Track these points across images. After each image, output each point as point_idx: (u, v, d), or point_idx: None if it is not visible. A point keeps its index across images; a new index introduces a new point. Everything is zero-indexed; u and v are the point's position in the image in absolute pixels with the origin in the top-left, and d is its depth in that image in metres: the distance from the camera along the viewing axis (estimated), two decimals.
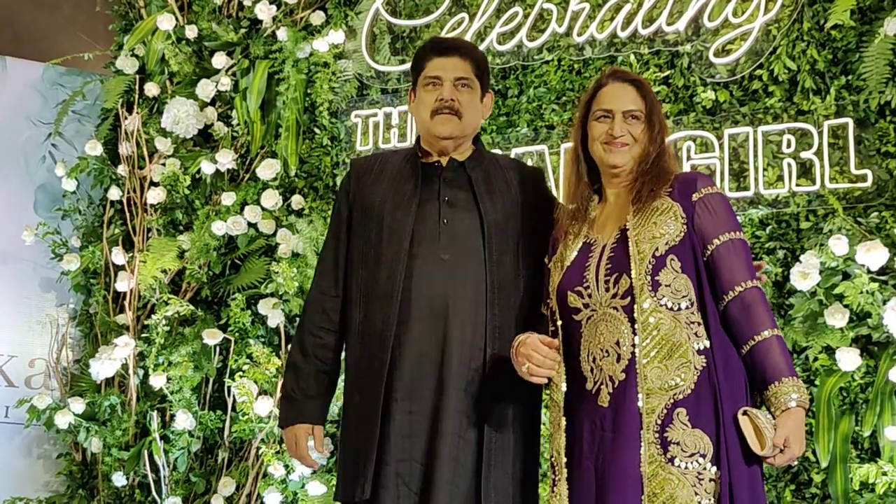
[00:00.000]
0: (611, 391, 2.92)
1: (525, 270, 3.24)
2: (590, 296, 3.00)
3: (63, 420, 5.40)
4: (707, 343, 2.89)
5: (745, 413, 2.86)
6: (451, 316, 3.14)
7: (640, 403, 2.86)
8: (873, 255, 4.08)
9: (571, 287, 3.04)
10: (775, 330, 2.90)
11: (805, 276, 4.16)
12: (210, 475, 5.42)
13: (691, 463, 2.85)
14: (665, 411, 2.85)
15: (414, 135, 5.33)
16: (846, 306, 4.14)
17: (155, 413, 5.34)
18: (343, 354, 3.39)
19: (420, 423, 3.11)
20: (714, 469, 2.84)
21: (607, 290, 2.97)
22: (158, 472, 5.34)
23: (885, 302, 4.04)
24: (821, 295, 4.18)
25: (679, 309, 2.91)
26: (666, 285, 2.91)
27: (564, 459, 2.99)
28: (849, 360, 4.11)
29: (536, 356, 2.96)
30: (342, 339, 3.37)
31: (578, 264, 3.06)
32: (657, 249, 2.93)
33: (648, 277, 2.92)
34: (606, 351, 2.94)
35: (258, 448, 5.13)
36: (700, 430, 2.85)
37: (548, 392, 3.10)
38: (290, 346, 3.44)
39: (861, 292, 4.08)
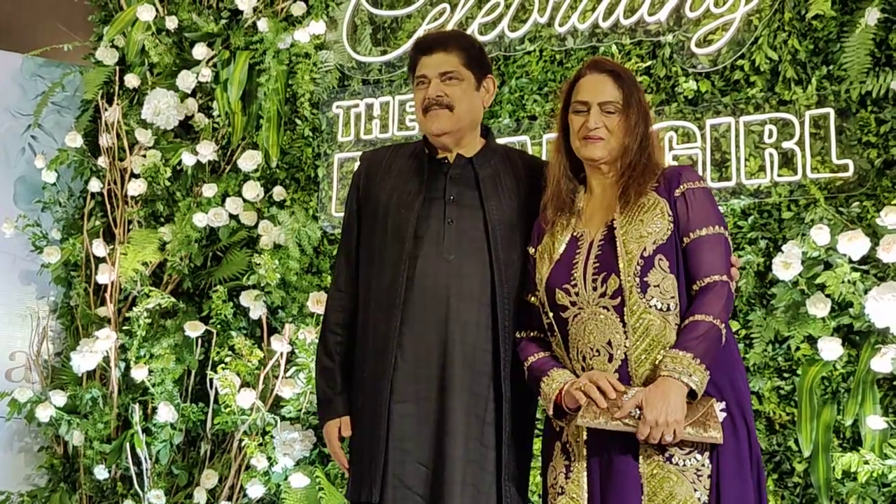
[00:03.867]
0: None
1: None
2: (577, 294, 2.99)
3: (44, 413, 5.37)
4: None
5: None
6: (453, 318, 3.12)
7: None
8: (855, 244, 4.09)
9: (559, 284, 3.02)
10: (716, 320, 2.86)
11: (787, 265, 4.17)
12: (192, 468, 5.40)
13: (689, 459, 2.85)
14: None
15: (395, 125, 5.33)
16: (828, 296, 4.15)
17: (137, 406, 5.33)
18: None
19: (424, 425, 3.10)
20: (710, 463, 2.85)
21: (595, 289, 2.96)
22: (141, 465, 5.32)
23: (866, 291, 4.05)
24: (803, 285, 4.19)
25: (668, 309, 2.91)
26: (655, 286, 2.91)
27: (585, 437, 2.94)
28: (830, 349, 4.12)
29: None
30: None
31: (566, 260, 3.04)
32: (645, 249, 2.92)
33: (637, 279, 2.91)
34: (597, 350, 2.94)
35: (241, 440, 5.12)
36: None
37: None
38: (316, 346, 3.44)
39: (843, 282, 4.09)
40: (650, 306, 2.90)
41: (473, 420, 3.10)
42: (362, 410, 3.21)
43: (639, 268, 2.91)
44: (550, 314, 3.05)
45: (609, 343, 2.92)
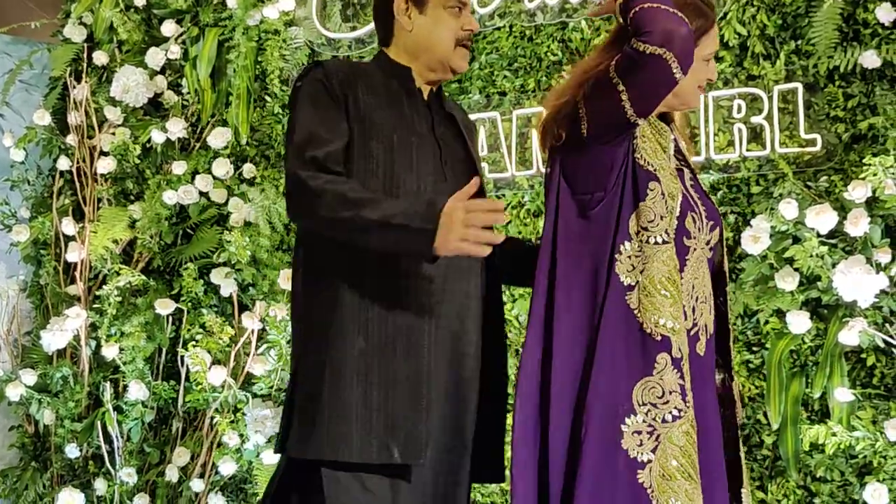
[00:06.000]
0: (706, 341, 2.87)
1: None
2: (699, 229, 2.88)
3: (14, 392, 5.35)
4: None
5: None
6: (473, 264, 2.95)
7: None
8: (822, 218, 4.11)
9: (691, 208, 2.87)
10: None
11: (756, 239, 4.19)
12: (164, 445, 5.40)
13: None
14: None
15: None
16: (796, 270, 4.17)
17: (108, 384, 5.32)
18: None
19: (452, 379, 2.91)
20: None
21: (703, 232, 2.90)
22: (112, 443, 5.32)
23: (834, 265, 4.07)
24: (771, 259, 4.21)
25: None
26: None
27: (688, 385, 2.76)
28: (799, 323, 4.15)
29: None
30: None
31: (685, 187, 2.90)
32: None
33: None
34: (704, 298, 2.86)
35: (212, 417, 5.12)
36: None
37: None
38: (324, 215, 2.71)
39: (811, 256, 4.11)
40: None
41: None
42: (386, 365, 2.79)
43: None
44: (672, 235, 2.81)
45: (711, 293, 2.90)
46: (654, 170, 2.79)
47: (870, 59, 4.28)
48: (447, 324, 2.88)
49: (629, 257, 2.73)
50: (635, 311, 2.72)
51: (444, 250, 2.58)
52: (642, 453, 2.65)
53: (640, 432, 2.66)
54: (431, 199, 2.69)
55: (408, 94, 3.00)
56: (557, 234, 2.83)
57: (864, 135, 4.29)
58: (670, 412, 2.66)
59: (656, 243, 2.72)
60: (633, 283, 2.73)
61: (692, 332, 2.80)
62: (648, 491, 2.63)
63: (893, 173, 4.03)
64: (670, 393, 2.67)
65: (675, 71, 2.62)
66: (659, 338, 2.69)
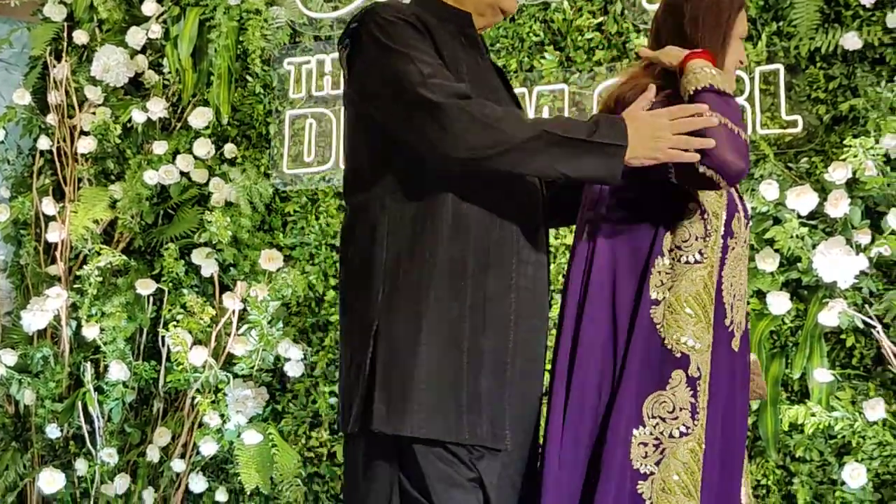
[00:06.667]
0: (740, 337, 2.86)
1: None
2: (741, 228, 2.88)
3: None
4: None
5: None
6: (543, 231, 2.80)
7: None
8: (803, 199, 4.12)
9: (736, 209, 2.87)
10: None
11: None
12: (145, 426, 5.39)
13: None
14: None
15: None
16: (777, 251, 4.19)
17: (88, 364, 5.31)
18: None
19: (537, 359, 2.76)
20: None
21: (742, 229, 2.90)
22: (93, 424, 5.31)
23: (814, 246, 4.09)
24: (752, 240, 4.22)
25: None
26: None
27: (702, 403, 2.78)
28: (779, 303, 4.16)
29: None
30: None
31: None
32: None
33: None
34: (741, 296, 2.87)
35: (193, 398, 5.12)
36: None
37: None
38: (486, 136, 2.46)
39: (791, 237, 4.13)
40: None
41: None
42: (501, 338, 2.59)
43: None
44: (706, 255, 2.80)
45: (743, 292, 2.88)
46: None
47: (851, 40, 4.29)
48: (527, 295, 2.68)
49: (660, 272, 2.74)
50: (658, 326, 2.74)
51: (638, 164, 2.50)
52: (645, 465, 2.68)
53: (646, 444, 2.69)
54: (598, 118, 2.52)
55: (467, 39, 2.79)
56: (597, 239, 2.83)
57: (845, 116, 4.30)
58: (678, 428, 2.70)
59: (688, 262, 2.74)
60: (659, 299, 2.74)
61: (729, 329, 2.81)
62: (647, 502, 2.67)
63: (874, 155, 4.04)
64: (680, 409, 2.71)
65: (722, 186, 2.66)
66: (678, 355, 2.72)
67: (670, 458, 2.68)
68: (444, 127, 2.45)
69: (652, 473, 2.69)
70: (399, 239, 2.56)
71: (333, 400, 5.08)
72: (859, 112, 4.25)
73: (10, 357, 5.37)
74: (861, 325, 4.09)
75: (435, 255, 2.53)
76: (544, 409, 2.77)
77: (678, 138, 2.48)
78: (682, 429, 2.70)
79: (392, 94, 2.53)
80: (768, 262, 4.19)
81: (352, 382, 2.58)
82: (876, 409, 4.03)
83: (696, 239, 2.77)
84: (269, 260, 5.08)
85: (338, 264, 5.05)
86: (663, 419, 2.70)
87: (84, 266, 5.37)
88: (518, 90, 4.84)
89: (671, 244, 2.76)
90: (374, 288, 2.56)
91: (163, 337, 5.24)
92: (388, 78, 2.54)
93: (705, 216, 2.78)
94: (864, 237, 4.06)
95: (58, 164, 5.81)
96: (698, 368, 2.73)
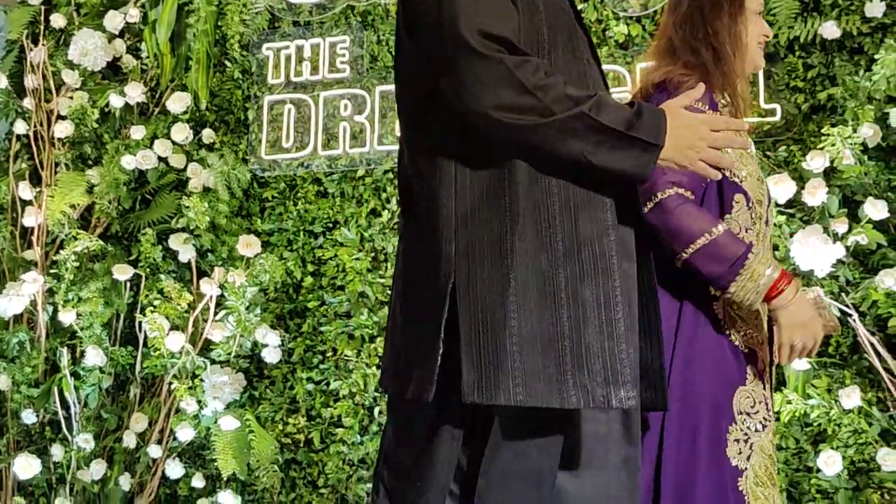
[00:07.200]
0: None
1: None
2: (769, 212, 2.89)
3: None
4: None
5: None
6: None
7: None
8: (781, 188, 4.13)
9: (768, 197, 2.90)
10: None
11: None
12: (122, 411, 5.38)
13: None
14: None
15: (326, 67, 5.29)
16: None
17: (65, 349, 5.28)
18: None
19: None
20: None
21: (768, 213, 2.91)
22: (69, 409, 5.29)
23: (791, 234, 4.10)
24: None
25: None
26: None
27: (769, 392, 2.85)
28: None
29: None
30: None
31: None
32: None
33: None
34: None
35: (170, 383, 5.10)
36: None
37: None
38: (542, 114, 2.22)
39: None
40: None
41: None
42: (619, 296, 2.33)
43: None
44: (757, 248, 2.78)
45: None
46: (741, 181, 2.79)
47: (829, 29, 4.30)
48: (625, 237, 2.42)
49: None
50: (722, 322, 2.76)
51: (672, 165, 2.33)
52: (741, 461, 2.72)
53: (738, 441, 2.73)
54: (642, 107, 2.30)
55: None
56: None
57: (823, 105, 4.31)
58: (760, 422, 2.75)
59: None
60: (717, 294, 2.76)
61: None
62: (745, 498, 2.71)
63: (851, 144, 4.05)
64: (759, 403, 2.76)
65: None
66: (746, 350, 2.78)
67: (759, 453, 2.74)
68: (477, 76, 2.22)
69: (745, 469, 2.73)
70: (474, 186, 2.29)
71: (311, 386, 5.07)
72: (837, 101, 4.26)
73: None
74: (838, 314, 4.11)
75: (516, 200, 2.26)
76: None
77: (713, 152, 2.34)
78: (763, 422, 2.76)
79: (433, 29, 2.30)
80: None
81: (417, 343, 2.31)
82: (851, 397, 4.04)
83: (746, 230, 2.76)
84: (247, 246, 5.07)
85: (316, 251, 5.09)
86: (749, 414, 2.73)
87: (61, 251, 5.35)
88: None
89: None
90: (445, 240, 2.29)
91: (140, 322, 5.22)
92: (432, 13, 2.29)
93: (750, 204, 2.78)
94: (841, 226, 4.07)
95: (34, 148, 5.78)
96: (762, 361, 2.80)
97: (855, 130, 4.09)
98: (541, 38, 2.34)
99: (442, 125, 2.33)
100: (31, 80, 5.76)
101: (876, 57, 4.19)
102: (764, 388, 2.79)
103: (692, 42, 2.85)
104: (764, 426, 2.75)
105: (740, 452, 2.72)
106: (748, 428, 2.72)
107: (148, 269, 5.30)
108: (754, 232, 2.79)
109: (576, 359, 2.22)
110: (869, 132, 4.09)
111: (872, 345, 4.10)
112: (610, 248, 2.30)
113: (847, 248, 4.09)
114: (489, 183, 2.28)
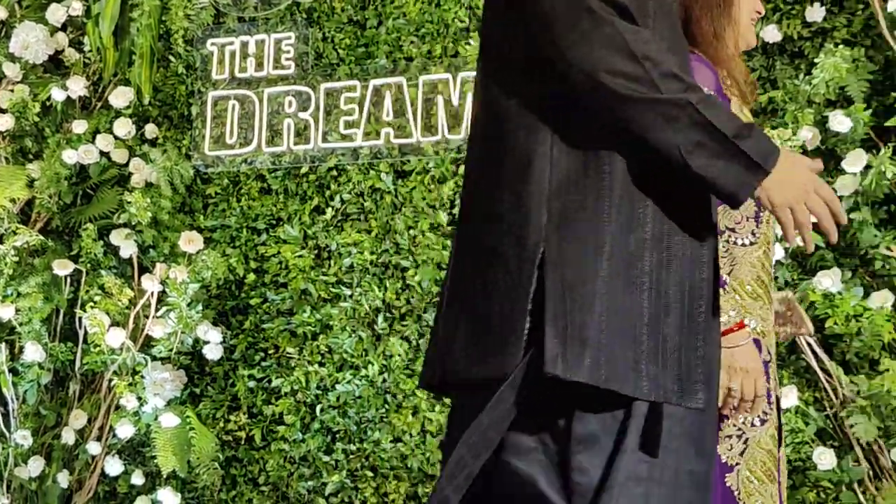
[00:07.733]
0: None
1: None
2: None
3: None
4: None
5: None
6: None
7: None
8: None
9: None
10: None
11: None
12: (61, 408, 5.34)
13: None
14: None
15: (271, 63, 5.28)
16: None
17: (3, 345, 5.25)
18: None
19: None
20: None
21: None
22: (7, 406, 5.25)
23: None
24: None
25: None
26: None
27: (774, 386, 2.79)
28: None
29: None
30: None
31: None
32: None
33: None
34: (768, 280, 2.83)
35: (110, 380, 5.07)
36: None
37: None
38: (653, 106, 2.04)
39: None
40: None
41: None
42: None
43: None
44: (758, 238, 2.78)
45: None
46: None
47: (771, 33, 4.35)
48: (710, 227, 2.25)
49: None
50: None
51: (765, 198, 2.11)
52: (732, 457, 2.66)
53: (730, 437, 2.67)
54: (753, 125, 2.09)
55: None
56: None
57: (764, 108, 4.36)
58: (758, 416, 2.67)
59: (743, 245, 2.70)
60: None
61: None
62: (735, 493, 2.65)
63: (791, 147, 4.10)
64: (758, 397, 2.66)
65: None
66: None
67: (754, 448, 2.67)
68: (587, 34, 2.06)
69: (737, 465, 2.66)
70: (571, 158, 2.13)
71: (252, 383, 5.06)
72: (778, 104, 4.30)
73: None
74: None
75: (612, 178, 2.11)
76: None
77: (822, 204, 2.16)
78: (762, 416, 2.67)
79: None
80: None
81: (501, 315, 2.14)
82: (789, 396, 4.09)
83: (748, 220, 2.71)
84: (189, 242, 5.05)
85: (259, 247, 5.07)
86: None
87: (0, 245, 5.30)
88: (442, 76, 4.85)
89: (723, 226, 2.69)
90: (535, 208, 2.12)
91: (80, 318, 5.19)
92: None
93: (759, 221, 2.77)
94: (780, 228, 4.12)
95: None
96: (769, 352, 2.72)
97: (795, 133, 4.13)
98: (648, 11, 2.16)
99: (543, 89, 2.16)
100: None
101: (816, 61, 4.24)
102: (767, 381, 2.67)
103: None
104: (763, 421, 2.67)
105: (731, 448, 2.65)
106: (743, 423, 2.66)
107: (89, 265, 5.26)
108: (762, 220, 2.74)
109: (652, 348, 2.09)
110: (808, 135, 4.14)
111: (810, 345, 4.15)
112: (702, 238, 2.17)
113: (786, 249, 4.14)
114: (585, 158, 2.12)
